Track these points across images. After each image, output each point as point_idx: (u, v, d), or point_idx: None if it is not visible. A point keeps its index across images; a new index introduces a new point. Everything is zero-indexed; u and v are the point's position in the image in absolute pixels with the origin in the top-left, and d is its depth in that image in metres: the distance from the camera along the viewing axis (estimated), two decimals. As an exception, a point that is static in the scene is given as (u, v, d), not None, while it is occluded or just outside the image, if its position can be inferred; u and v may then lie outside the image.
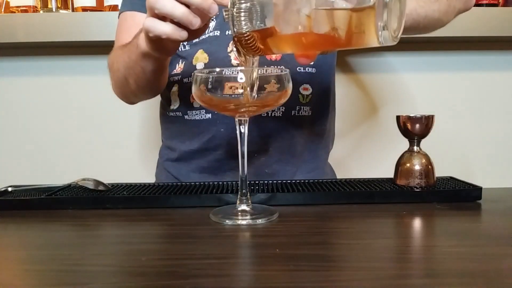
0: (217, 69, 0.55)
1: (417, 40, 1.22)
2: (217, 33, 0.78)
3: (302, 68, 0.80)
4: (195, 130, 0.81)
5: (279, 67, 0.78)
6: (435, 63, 1.27)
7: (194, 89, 0.55)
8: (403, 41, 1.26)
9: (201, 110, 0.79)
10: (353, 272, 0.40)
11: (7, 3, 1.16)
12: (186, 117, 0.82)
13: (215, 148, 0.80)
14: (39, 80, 1.26)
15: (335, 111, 0.92)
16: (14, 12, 1.15)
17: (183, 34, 0.55)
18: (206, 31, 0.79)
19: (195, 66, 0.79)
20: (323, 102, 0.84)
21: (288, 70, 0.55)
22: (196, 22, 0.54)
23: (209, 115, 0.79)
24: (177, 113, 0.83)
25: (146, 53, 0.65)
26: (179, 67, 0.82)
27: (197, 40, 0.79)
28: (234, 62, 0.77)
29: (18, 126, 1.28)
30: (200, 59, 0.79)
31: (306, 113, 0.81)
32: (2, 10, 1.16)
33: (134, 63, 0.69)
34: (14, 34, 1.11)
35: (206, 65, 0.78)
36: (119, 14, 0.86)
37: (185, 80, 0.81)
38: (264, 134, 0.78)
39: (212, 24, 0.79)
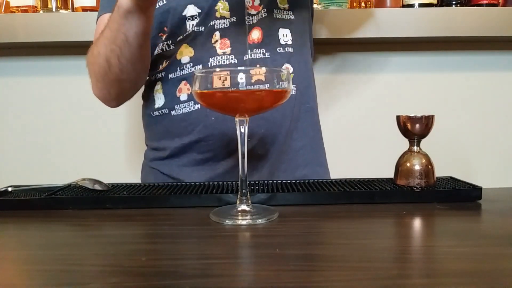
0: (217, 69, 0.55)
1: (417, 40, 1.22)
2: (201, 28, 0.79)
3: (281, 48, 0.81)
4: (183, 124, 0.80)
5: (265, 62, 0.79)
6: (435, 63, 1.27)
7: (194, 89, 0.55)
8: (403, 41, 1.27)
9: (190, 102, 0.79)
10: (353, 272, 0.40)
11: (7, 3, 1.16)
12: (173, 112, 0.81)
13: (206, 139, 0.79)
14: (39, 80, 1.26)
15: (316, 90, 0.93)
16: (14, 12, 1.15)
17: None
18: (190, 28, 0.79)
19: (179, 60, 0.80)
20: (305, 80, 0.86)
21: (288, 70, 0.55)
22: None
23: (197, 106, 0.78)
24: (162, 110, 0.82)
25: (128, 10, 0.66)
26: (162, 66, 0.82)
27: (181, 37, 0.80)
28: (219, 51, 0.78)
29: (18, 126, 1.28)
30: (185, 53, 0.79)
31: (292, 92, 0.82)
32: (2, 10, 1.16)
33: (117, 31, 0.69)
34: (14, 34, 1.11)
35: (192, 58, 0.79)
36: (98, 18, 0.85)
37: (171, 75, 0.81)
38: (255, 117, 0.78)
39: (195, 22, 0.79)
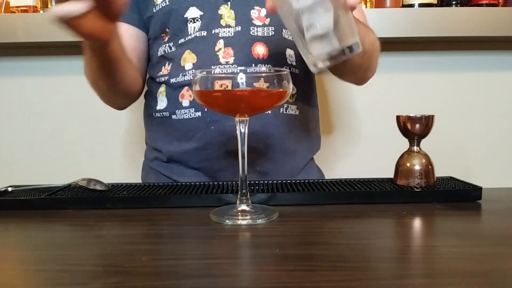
0: (218, 69, 0.55)
1: (417, 40, 1.22)
2: (204, 33, 0.78)
3: (288, 67, 0.81)
4: (183, 130, 0.80)
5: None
6: (435, 63, 1.27)
7: (195, 89, 0.55)
8: (403, 41, 1.26)
9: (191, 109, 0.79)
10: (353, 272, 0.40)
11: (7, 3, 1.16)
12: (173, 117, 0.81)
13: (205, 147, 0.79)
14: (39, 80, 1.26)
15: (319, 112, 0.93)
16: (14, 12, 1.15)
17: (81, 6, 0.54)
18: (192, 32, 0.79)
19: (183, 67, 0.79)
20: (307, 101, 0.86)
21: (288, 70, 0.55)
22: None
23: (198, 113, 0.78)
24: (164, 113, 0.82)
25: (87, 46, 0.67)
26: (166, 68, 0.82)
27: (182, 40, 0.79)
28: (222, 60, 0.77)
29: (18, 126, 1.28)
30: (188, 59, 0.79)
31: (293, 112, 0.81)
32: (2, 10, 1.16)
33: (90, 62, 0.72)
34: (14, 34, 1.11)
35: (195, 65, 0.78)
36: None
37: (173, 80, 0.80)
38: (254, 131, 0.77)
39: (197, 25, 0.79)
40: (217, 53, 0.77)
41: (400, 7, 1.16)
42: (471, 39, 1.20)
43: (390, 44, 1.25)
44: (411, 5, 1.15)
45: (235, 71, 0.54)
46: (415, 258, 0.45)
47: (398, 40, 1.20)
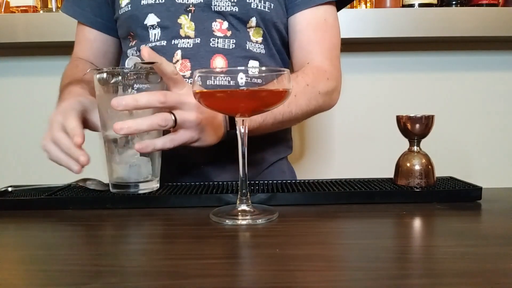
0: (217, 69, 0.55)
1: (417, 40, 1.22)
2: (164, 43, 0.77)
3: None
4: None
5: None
6: (435, 63, 1.27)
7: (195, 89, 0.55)
8: (403, 41, 1.26)
9: None
10: (353, 272, 0.40)
11: (7, 3, 1.16)
12: None
13: (165, 158, 0.76)
14: (39, 80, 1.26)
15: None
16: (14, 12, 1.15)
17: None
18: (154, 39, 0.78)
19: None
20: None
21: (288, 70, 0.55)
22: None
23: None
24: None
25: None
26: None
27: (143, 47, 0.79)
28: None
29: (18, 126, 1.28)
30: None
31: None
32: (2, 10, 1.16)
33: None
34: (14, 34, 1.11)
35: None
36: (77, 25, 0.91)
37: None
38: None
39: (157, 32, 0.77)
40: (174, 64, 0.76)
41: (400, 7, 1.16)
42: (471, 39, 1.20)
43: (390, 44, 1.26)
44: (411, 5, 1.15)
45: (235, 70, 0.54)
46: (415, 258, 0.45)
47: (398, 40, 1.20)
